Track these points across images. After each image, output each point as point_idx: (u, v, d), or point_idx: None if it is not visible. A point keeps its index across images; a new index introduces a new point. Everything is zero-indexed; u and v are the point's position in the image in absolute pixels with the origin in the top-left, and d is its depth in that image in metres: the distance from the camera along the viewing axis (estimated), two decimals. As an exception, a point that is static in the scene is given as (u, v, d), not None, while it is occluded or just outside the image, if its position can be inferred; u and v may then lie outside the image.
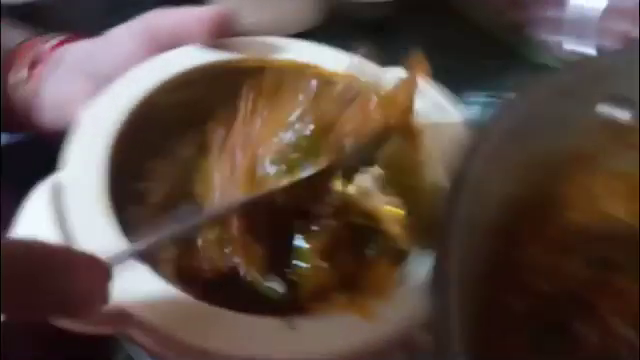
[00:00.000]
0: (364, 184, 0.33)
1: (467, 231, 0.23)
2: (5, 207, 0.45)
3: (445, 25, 0.77)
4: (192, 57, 0.33)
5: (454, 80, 0.71)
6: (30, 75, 0.40)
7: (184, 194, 0.32)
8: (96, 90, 0.37)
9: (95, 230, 0.25)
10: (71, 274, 0.19)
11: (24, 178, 0.47)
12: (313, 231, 0.28)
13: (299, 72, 0.35)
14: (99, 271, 0.21)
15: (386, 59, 0.72)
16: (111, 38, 0.37)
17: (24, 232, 0.26)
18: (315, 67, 0.35)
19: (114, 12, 0.69)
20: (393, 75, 0.35)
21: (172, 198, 0.32)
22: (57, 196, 0.26)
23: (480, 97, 0.65)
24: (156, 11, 0.35)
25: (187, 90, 0.33)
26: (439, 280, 0.21)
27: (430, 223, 0.30)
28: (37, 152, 0.43)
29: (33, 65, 0.40)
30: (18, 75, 0.40)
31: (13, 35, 0.43)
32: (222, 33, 0.33)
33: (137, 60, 0.35)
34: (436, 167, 0.31)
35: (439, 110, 0.34)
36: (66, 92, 0.38)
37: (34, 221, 0.26)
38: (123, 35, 0.36)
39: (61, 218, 0.25)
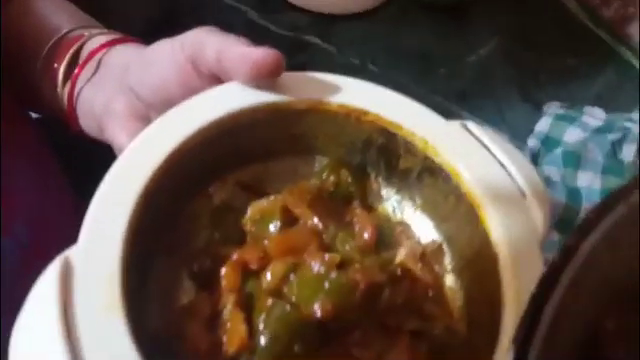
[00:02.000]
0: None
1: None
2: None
3: (530, 11, 0.69)
4: (235, 98, 0.29)
5: (530, 77, 0.64)
6: (67, 77, 0.38)
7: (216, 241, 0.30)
8: (130, 105, 0.34)
9: (99, 329, 0.22)
10: None
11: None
12: None
13: (354, 120, 0.31)
14: None
15: (457, 46, 0.66)
16: (152, 55, 0.34)
17: (27, 323, 0.23)
18: (374, 115, 0.30)
19: (167, 19, 0.65)
20: (454, 130, 0.30)
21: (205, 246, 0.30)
22: (64, 279, 0.23)
23: (553, 107, 0.58)
24: (204, 32, 0.31)
25: (227, 134, 0.29)
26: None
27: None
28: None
29: (72, 63, 0.38)
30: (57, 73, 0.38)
31: (61, 20, 0.40)
32: (268, 75, 0.28)
33: (173, 86, 0.32)
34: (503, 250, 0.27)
35: (503, 181, 0.29)
36: (100, 104, 0.36)
37: (38, 309, 0.23)
38: (165, 56, 0.32)
39: (66, 308, 0.22)
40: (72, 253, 0.24)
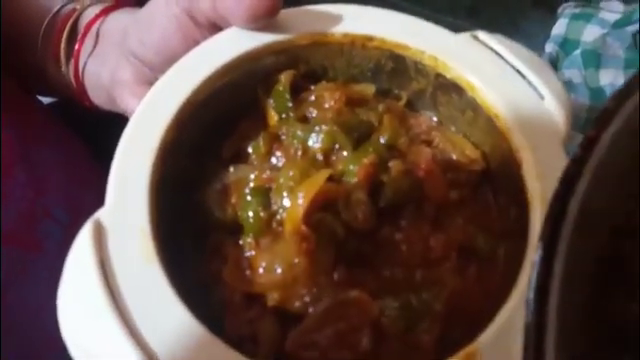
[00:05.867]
0: None
1: (577, 232, 0.20)
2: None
3: None
4: (235, 43, 0.29)
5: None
6: (69, 54, 0.38)
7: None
8: (136, 72, 0.34)
9: (138, 281, 0.23)
10: None
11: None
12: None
13: (360, 47, 0.30)
14: None
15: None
16: (148, 15, 0.33)
17: (70, 282, 0.24)
18: (379, 39, 0.30)
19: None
20: (464, 42, 0.29)
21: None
22: (98, 239, 0.24)
23: (568, 8, 0.55)
24: None
25: (233, 83, 0.29)
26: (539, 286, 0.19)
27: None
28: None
29: (71, 39, 0.38)
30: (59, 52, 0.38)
31: None
32: (266, 15, 0.28)
33: (174, 42, 0.32)
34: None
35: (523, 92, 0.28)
36: (106, 75, 0.36)
37: (78, 269, 0.23)
38: (160, 13, 0.32)
39: (104, 266, 0.23)
40: (101, 214, 0.25)
